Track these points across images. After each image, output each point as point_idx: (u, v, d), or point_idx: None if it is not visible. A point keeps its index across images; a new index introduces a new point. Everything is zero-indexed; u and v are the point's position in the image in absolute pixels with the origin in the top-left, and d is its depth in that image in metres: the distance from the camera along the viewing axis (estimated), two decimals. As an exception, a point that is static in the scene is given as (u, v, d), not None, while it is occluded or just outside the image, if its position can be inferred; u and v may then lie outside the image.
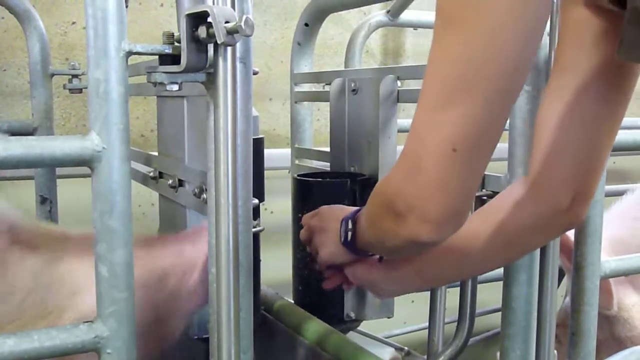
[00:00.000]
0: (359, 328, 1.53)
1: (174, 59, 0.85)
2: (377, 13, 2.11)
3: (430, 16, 2.13)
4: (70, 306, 0.95)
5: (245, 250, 0.91)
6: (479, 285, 1.21)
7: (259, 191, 1.24)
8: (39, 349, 0.76)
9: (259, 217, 1.17)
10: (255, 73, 0.94)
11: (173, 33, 0.86)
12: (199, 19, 0.82)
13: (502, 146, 1.12)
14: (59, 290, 0.92)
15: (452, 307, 1.23)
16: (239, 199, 0.89)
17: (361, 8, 2.37)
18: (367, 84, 1.38)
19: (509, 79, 0.75)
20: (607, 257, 1.20)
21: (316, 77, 1.64)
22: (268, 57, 2.35)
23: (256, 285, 1.15)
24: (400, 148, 1.37)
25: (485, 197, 1.14)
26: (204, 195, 1.01)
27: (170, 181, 1.20)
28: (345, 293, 1.37)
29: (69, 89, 1.84)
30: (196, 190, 1.05)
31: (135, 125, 2.15)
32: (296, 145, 1.69)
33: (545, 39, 1.05)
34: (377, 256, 1.07)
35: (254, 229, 0.96)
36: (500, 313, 1.12)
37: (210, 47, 0.84)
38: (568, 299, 1.54)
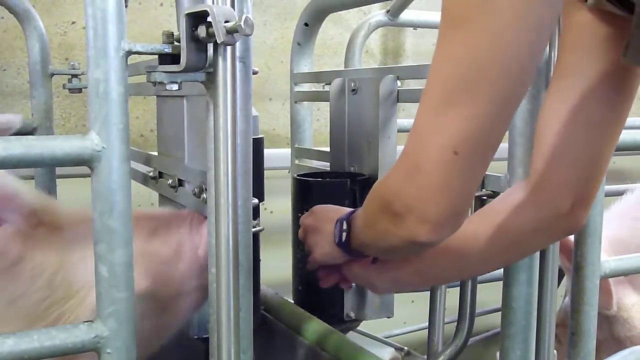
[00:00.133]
0: (358, 328, 1.53)
1: (173, 58, 0.85)
2: (376, 13, 2.11)
3: (429, 16, 2.13)
4: (90, 294, 0.96)
5: (245, 250, 0.91)
6: (478, 285, 1.21)
7: (258, 191, 1.24)
8: (39, 348, 0.76)
9: (259, 217, 1.17)
10: (255, 73, 0.94)
11: (173, 32, 0.86)
12: (198, 18, 0.82)
13: (502, 146, 1.12)
14: (85, 269, 0.94)
15: (452, 307, 1.23)
16: (238, 198, 0.88)
17: (361, 8, 2.37)
18: (367, 84, 1.38)
19: (513, 81, 0.75)
20: (606, 257, 1.20)
21: (316, 77, 1.64)
22: (268, 56, 2.35)
23: (256, 285, 1.15)
24: (400, 148, 1.37)
25: (485, 197, 1.14)
26: (204, 195, 1.01)
27: (170, 181, 1.20)
28: (345, 293, 1.37)
29: (69, 89, 1.84)
30: (196, 190, 1.05)
31: (134, 125, 2.15)
32: (296, 145, 1.69)
33: (545, 38, 1.05)
34: (371, 257, 1.07)
35: (253, 229, 0.96)
36: (500, 313, 1.12)
37: (210, 47, 0.84)
38: (568, 298, 1.54)
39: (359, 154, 1.41)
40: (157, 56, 0.86)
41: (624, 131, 1.19)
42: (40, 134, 1.75)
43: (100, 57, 0.78)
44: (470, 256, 0.97)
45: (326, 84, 1.57)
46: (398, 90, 1.34)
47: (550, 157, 0.90)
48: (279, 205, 1.83)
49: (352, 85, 1.42)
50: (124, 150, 0.79)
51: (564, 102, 0.88)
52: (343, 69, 2.09)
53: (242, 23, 0.79)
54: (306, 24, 1.66)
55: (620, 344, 1.49)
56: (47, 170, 1.76)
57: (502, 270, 1.11)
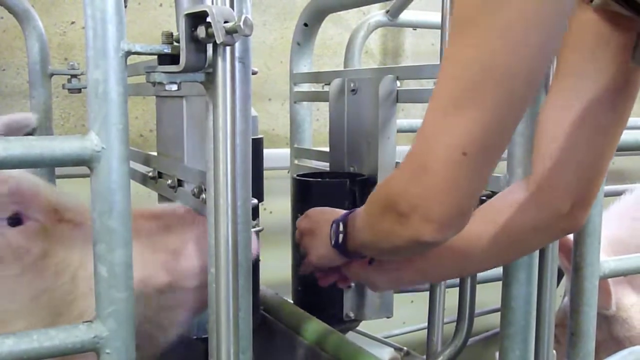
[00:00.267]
0: (358, 328, 1.53)
1: (173, 58, 0.85)
2: (376, 13, 2.11)
3: (429, 16, 2.13)
4: None
5: (244, 251, 0.91)
6: (478, 286, 1.21)
7: (258, 191, 1.24)
8: (38, 349, 0.76)
9: (258, 217, 1.17)
10: (254, 73, 0.94)
11: (172, 33, 0.86)
12: (198, 18, 0.82)
13: (501, 146, 1.13)
14: None
15: (451, 307, 1.23)
16: (238, 199, 0.88)
17: (360, 8, 2.37)
18: (366, 84, 1.38)
19: (521, 83, 0.74)
20: (606, 258, 1.20)
21: (315, 77, 1.64)
22: (267, 57, 2.35)
23: (255, 286, 1.15)
24: (399, 148, 1.38)
25: (484, 197, 1.14)
26: (203, 196, 1.01)
27: (170, 181, 1.19)
28: (345, 293, 1.37)
29: (68, 89, 1.84)
30: (195, 190, 1.05)
31: (134, 125, 2.15)
32: (295, 145, 1.69)
33: (545, 39, 1.05)
34: (368, 258, 1.07)
35: (253, 229, 0.96)
36: (499, 313, 1.12)
37: (210, 47, 0.84)
38: (567, 299, 1.54)
39: (359, 154, 1.41)
40: (156, 56, 0.87)
41: (624, 131, 1.20)
42: (39, 134, 1.74)
43: (99, 58, 0.78)
44: (473, 255, 0.97)
45: (325, 84, 1.57)
46: (397, 91, 1.34)
47: (552, 158, 0.90)
48: (278, 205, 1.83)
49: (352, 85, 1.42)
50: (123, 151, 0.80)
51: (566, 103, 0.88)
52: (342, 69, 2.09)
53: (241, 23, 0.79)
54: (306, 24, 1.66)
55: (619, 344, 1.49)
56: (47, 171, 1.76)
57: (501, 270, 1.11)
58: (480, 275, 1.23)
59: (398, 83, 1.34)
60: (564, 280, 1.58)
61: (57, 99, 2.03)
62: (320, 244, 1.07)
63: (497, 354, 1.13)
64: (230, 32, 0.80)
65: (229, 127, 0.86)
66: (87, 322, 0.81)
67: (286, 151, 1.75)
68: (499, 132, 0.76)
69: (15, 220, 0.97)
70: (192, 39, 0.82)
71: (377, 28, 2.13)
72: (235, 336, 0.88)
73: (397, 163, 1.36)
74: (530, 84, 0.76)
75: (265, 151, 1.34)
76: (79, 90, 1.84)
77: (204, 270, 1.00)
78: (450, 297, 1.23)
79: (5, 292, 0.94)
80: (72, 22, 2.08)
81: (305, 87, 1.68)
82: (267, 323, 1.42)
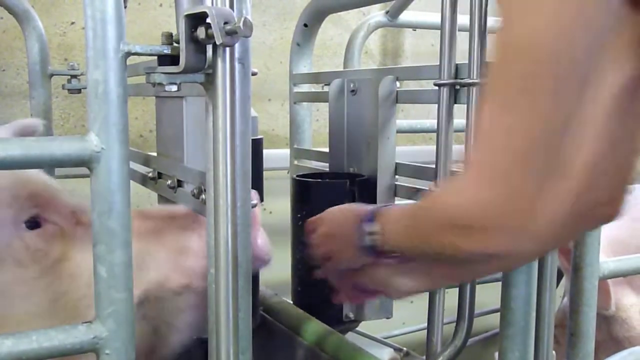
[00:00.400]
0: (357, 329, 1.53)
1: (172, 59, 0.85)
2: (376, 14, 2.11)
3: (429, 17, 2.14)
4: (137, 281, 0.99)
5: (244, 251, 0.91)
6: (477, 286, 1.21)
7: (258, 192, 1.24)
8: (37, 349, 0.76)
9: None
10: (254, 74, 0.94)
11: (172, 33, 0.86)
12: (197, 19, 0.82)
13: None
14: None
15: (450, 307, 1.23)
16: (237, 199, 0.89)
17: (360, 9, 2.37)
18: (366, 85, 1.39)
19: (578, 67, 0.71)
20: (605, 258, 1.20)
21: (315, 78, 1.64)
22: (267, 57, 2.35)
23: (255, 286, 1.15)
24: (399, 149, 1.38)
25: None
26: (203, 196, 1.01)
27: (169, 182, 1.19)
28: (344, 293, 1.37)
29: (68, 89, 1.84)
30: (195, 191, 1.05)
31: (134, 125, 2.15)
32: (295, 146, 1.69)
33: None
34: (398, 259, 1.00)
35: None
36: (499, 314, 1.12)
37: (209, 48, 0.84)
38: (566, 299, 1.54)
39: (358, 155, 1.41)
40: (156, 57, 0.87)
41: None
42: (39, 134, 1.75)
43: (99, 58, 0.78)
44: None
45: (325, 85, 1.57)
46: (397, 91, 1.34)
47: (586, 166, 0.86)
48: (278, 205, 1.83)
49: (352, 86, 1.42)
50: (123, 151, 0.80)
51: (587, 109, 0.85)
52: (342, 69, 2.09)
53: (241, 24, 0.79)
54: (305, 25, 1.66)
55: (618, 345, 1.50)
56: (46, 171, 1.76)
57: (500, 270, 1.11)
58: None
59: (398, 84, 1.34)
60: (563, 280, 1.59)
61: (57, 99, 2.03)
62: (346, 246, 1.01)
63: (496, 355, 1.13)
64: (230, 33, 0.80)
65: (229, 128, 0.86)
66: (86, 322, 0.81)
67: (286, 152, 1.75)
68: (565, 123, 0.73)
69: (34, 223, 0.98)
70: (192, 39, 0.82)
71: (377, 29, 2.13)
72: (234, 337, 0.88)
73: (396, 164, 1.36)
74: (588, 67, 0.72)
75: (265, 152, 1.34)
76: (79, 91, 1.84)
77: None
78: (450, 298, 1.23)
79: (24, 295, 0.95)
80: (72, 23, 2.09)
81: (305, 88, 1.68)
82: (266, 323, 1.42)
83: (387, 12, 2.08)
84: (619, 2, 0.75)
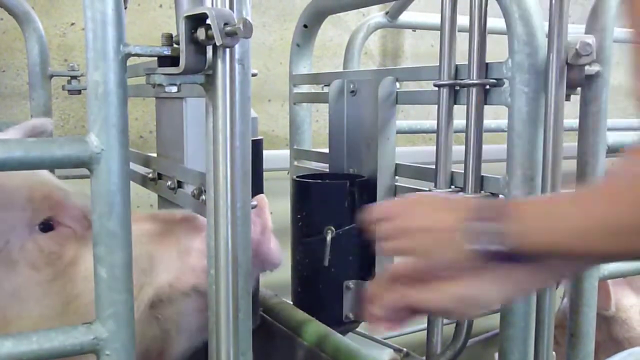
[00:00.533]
0: (357, 329, 1.53)
1: (172, 60, 0.85)
2: (376, 14, 2.11)
3: (428, 17, 2.13)
4: (148, 282, 1.01)
5: (244, 252, 0.91)
6: (477, 287, 1.21)
7: (257, 192, 1.24)
8: (37, 350, 0.76)
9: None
10: (254, 75, 0.94)
11: (172, 35, 0.86)
12: (197, 20, 0.82)
13: (500, 147, 1.13)
14: (136, 268, 0.96)
15: (450, 308, 1.23)
16: (237, 200, 0.89)
17: (360, 9, 2.37)
18: (365, 86, 1.39)
19: None
20: (605, 259, 1.20)
21: (315, 79, 1.64)
22: (267, 58, 2.35)
23: (255, 287, 1.15)
24: (399, 149, 1.38)
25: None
26: (203, 197, 1.01)
27: (169, 182, 1.20)
28: (345, 294, 1.37)
29: (68, 90, 1.84)
30: (195, 191, 1.05)
31: (134, 126, 2.15)
32: (295, 147, 1.69)
33: (543, 39, 1.05)
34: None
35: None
36: (499, 314, 1.12)
37: (209, 49, 0.84)
38: (566, 300, 1.54)
39: (358, 156, 1.41)
40: (156, 58, 0.87)
41: (622, 133, 1.20)
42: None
43: (99, 59, 0.78)
44: None
45: (325, 86, 1.57)
46: (397, 92, 1.34)
47: None
48: (278, 206, 1.83)
49: (351, 86, 1.42)
50: (123, 152, 0.80)
51: None
52: (342, 70, 2.09)
53: (241, 25, 0.79)
54: (305, 26, 1.66)
55: (618, 345, 1.50)
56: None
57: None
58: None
59: (397, 84, 1.34)
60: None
61: (57, 100, 2.03)
62: (440, 246, 0.83)
63: (496, 355, 1.13)
64: (229, 34, 0.80)
65: (229, 129, 0.86)
66: (86, 323, 0.81)
67: (286, 152, 1.75)
68: None
69: (47, 226, 0.99)
70: (192, 40, 0.82)
71: (376, 29, 2.13)
72: (234, 337, 0.88)
73: (396, 164, 1.36)
74: None
75: (265, 152, 1.34)
76: (79, 92, 1.84)
77: None
78: (450, 299, 1.23)
79: (38, 297, 0.96)
80: (72, 24, 2.08)
81: (305, 89, 1.68)
82: (266, 324, 1.42)
83: (386, 13, 2.08)
84: None
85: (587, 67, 1.09)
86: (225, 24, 0.80)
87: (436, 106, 1.19)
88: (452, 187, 1.20)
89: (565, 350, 1.21)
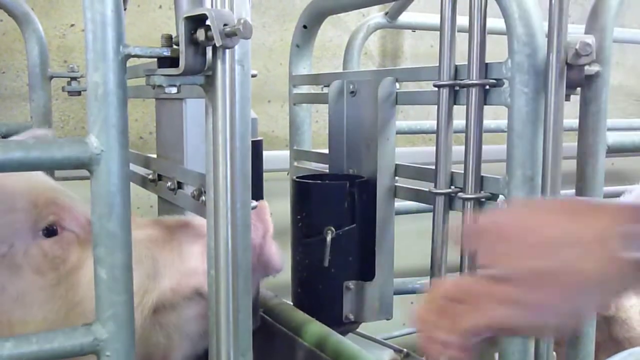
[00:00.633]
0: (358, 330, 1.53)
1: (172, 61, 0.85)
2: (375, 15, 2.11)
3: (428, 18, 2.13)
4: (152, 288, 1.02)
5: (243, 253, 0.91)
6: (477, 287, 1.21)
7: (257, 193, 1.24)
8: (37, 352, 0.76)
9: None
10: (253, 76, 0.94)
11: (171, 36, 0.86)
12: (197, 21, 0.82)
13: (500, 148, 1.13)
14: (141, 273, 0.99)
15: (450, 308, 1.23)
16: (237, 201, 0.89)
17: (360, 10, 2.37)
18: (365, 86, 1.39)
19: None
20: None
21: (315, 79, 1.64)
22: (267, 59, 2.35)
23: (255, 288, 1.15)
24: (399, 150, 1.38)
25: (483, 200, 1.14)
26: (203, 198, 1.01)
27: (169, 183, 1.20)
28: (345, 295, 1.37)
29: (68, 92, 1.84)
30: (195, 192, 1.05)
31: (134, 127, 2.15)
32: (295, 147, 1.69)
33: (543, 39, 1.05)
34: None
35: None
36: (498, 315, 1.12)
37: (209, 50, 0.84)
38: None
39: (358, 156, 1.41)
40: (156, 59, 0.87)
41: (622, 133, 1.20)
42: (39, 136, 1.75)
43: (99, 60, 0.78)
44: None
45: (325, 86, 1.57)
46: (397, 93, 1.34)
47: None
48: (278, 207, 1.83)
49: (351, 87, 1.42)
50: (123, 153, 0.80)
51: None
52: (342, 71, 2.09)
53: (240, 26, 0.79)
54: (305, 26, 1.66)
55: (618, 345, 1.50)
56: (47, 174, 1.76)
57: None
58: (480, 276, 1.23)
59: (397, 85, 1.34)
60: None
61: (57, 101, 2.03)
62: (596, 258, 0.67)
63: (497, 356, 1.13)
64: (229, 35, 0.80)
65: (229, 130, 0.86)
66: (86, 324, 0.81)
67: (285, 153, 1.75)
68: None
69: (51, 231, 1.00)
70: (192, 41, 0.82)
71: (376, 30, 2.13)
72: (234, 338, 0.88)
73: (396, 165, 1.36)
74: None
75: (265, 153, 1.34)
76: (79, 93, 1.84)
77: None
78: (450, 299, 1.23)
79: (42, 302, 0.96)
80: (72, 25, 2.09)
81: (305, 89, 1.68)
82: (266, 325, 1.42)
83: (386, 14, 2.08)
84: None
85: (586, 67, 1.09)
86: (225, 24, 0.80)
87: (436, 106, 1.19)
88: (452, 187, 1.20)
89: (566, 350, 1.21)
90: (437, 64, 1.18)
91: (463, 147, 1.15)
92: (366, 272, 1.38)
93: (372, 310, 1.40)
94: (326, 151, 1.53)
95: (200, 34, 0.82)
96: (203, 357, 1.10)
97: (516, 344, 1.09)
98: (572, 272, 0.69)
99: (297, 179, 1.43)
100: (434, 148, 1.21)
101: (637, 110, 3.11)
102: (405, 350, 1.67)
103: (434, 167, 1.21)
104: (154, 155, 1.40)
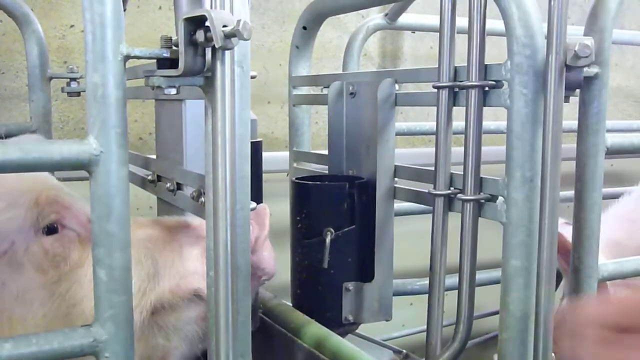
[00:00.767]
0: (357, 331, 1.53)
1: (171, 62, 0.85)
2: (375, 16, 2.11)
3: (428, 19, 2.14)
4: (151, 288, 1.02)
5: (243, 254, 0.91)
6: (476, 288, 1.21)
7: (257, 194, 1.24)
8: (37, 353, 0.76)
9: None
10: (253, 77, 0.95)
11: (171, 37, 0.86)
12: (197, 22, 0.82)
13: (499, 149, 1.13)
14: (141, 273, 0.99)
15: (450, 310, 1.23)
16: (236, 202, 0.89)
17: (359, 11, 2.37)
18: (365, 87, 1.39)
19: None
20: (604, 260, 1.20)
21: (314, 80, 1.64)
22: (266, 60, 2.35)
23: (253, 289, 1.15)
24: (398, 151, 1.38)
25: (482, 201, 1.14)
26: (202, 199, 1.01)
27: (169, 184, 1.20)
28: (344, 296, 1.37)
29: (67, 92, 1.84)
30: (194, 193, 1.05)
31: (133, 128, 2.15)
32: (294, 149, 1.69)
33: (543, 41, 1.05)
34: None
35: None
36: (498, 316, 1.12)
37: (208, 51, 0.85)
38: (565, 301, 1.54)
39: (357, 158, 1.41)
40: (155, 60, 0.87)
41: (621, 134, 1.20)
42: (38, 137, 1.75)
43: (98, 61, 0.78)
44: None
45: (324, 87, 1.57)
46: (396, 94, 1.34)
47: None
48: (277, 208, 1.83)
49: (351, 88, 1.42)
50: (122, 154, 0.80)
51: None
52: (341, 72, 2.09)
53: (240, 27, 0.79)
54: (304, 27, 1.66)
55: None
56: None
57: (499, 273, 1.11)
58: (479, 278, 1.23)
59: (397, 86, 1.34)
60: (562, 282, 1.58)
61: (56, 102, 2.03)
62: None
63: (495, 357, 1.13)
64: (229, 36, 0.80)
65: (228, 131, 0.86)
66: (85, 325, 0.81)
67: (285, 154, 1.75)
68: None
69: (52, 229, 1.00)
70: (191, 42, 0.83)
71: (376, 31, 2.13)
72: (234, 339, 0.88)
73: (395, 166, 1.36)
74: None
75: (264, 154, 1.34)
76: (78, 94, 1.84)
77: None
78: (449, 300, 1.23)
79: (42, 300, 0.97)
80: (72, 26, 2.08)
81: (304, 90, 1.68)
82: (265, 326, 1.42)
83: (386, 15, 2.08)
84: None
85: (586, 69, 1.09)
86: (224, 26, 0.80)
87: (435, 108, 1.19)
88: (452, 188, 1.20)
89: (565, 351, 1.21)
90: (437, 66, 1.18)
91: (462, 149, 1.15)
92: (365, 273, 1.38)
93: (372, 312, 1.40)
94: (326, 152, 1.53)
95: (200, 35, 0.82)
96: (202, 359, 1.10)
97: (515, 346, 1.09)
98: None
99: (297, 180, 1.43)
100: (434, 149, 1.21)
101: (636, 112, 3.11)
102: (404, 351, 1.67)
103: (433, 168, 1.21)
104: (154, 156, 1.40)
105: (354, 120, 1.42)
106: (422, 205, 1.36)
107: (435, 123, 1.21)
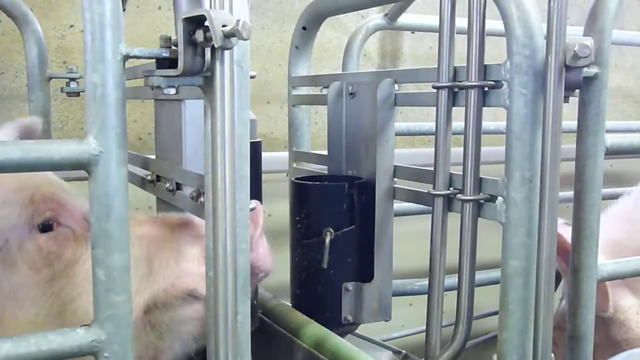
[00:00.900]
0: (356, 331, 1.53)
1: (171, 62, 0.85)
2: (374, 16, 2.12)
3: (427, 19, 2.14)
4: (144, 287, 1.02)
5: (242, 254, 0.91)
6: (476, 289, 1.21)
7: (256, 194, 1.24)
8: (36, 353, 0.76)
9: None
10: (252, 77, 0.95)
11: (170, 37, 0.86)
12: (196, 22, 0.82)
13: (499, 149, 1.13)
14: (135, 272, 0.97)
15: (449, 310, 1.23)
16: (236, 202, 0.89)
17: (359, 11, 2.37)
18: (364, 88, 1.39)
19: None
20: (602, 259, 1.20)
21: (314, 81, 1.64)
22: (266, 60, 2.35)
23: (253, 289, 1.15)
24: (398, 152, 1.38)
25: (482, 201, 1.14)
26: (202, 199, 1.01)
27: (168, 184, 1.20)
28: (343, 296, 1.37)
29: (67, 92, 1.84)
30: (194, 193, 1.05)
31: (132, 128, 2.15)
32: (294, 149, 1.69)
33: (542, 41, 1.05)
34: None
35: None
36: (497, 316, 1.12)
37: (208, 51, 0.84)
38: (564, 302, 1.54)
39: (357, 158, 1.41)
40: (154, 60, 0.87)
41: (621, 135, 1.20)
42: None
43: (97, 61, 0.78)
44: None
45: (324, 88, 1.57)
46: (396, 94, 1.34)
47: None
48: (277, 208, 1.83)
49: (350, 88, 1.42)
50: (121, 154, 0.80)
51: None
52: (341, 72, 2.09)
53: (239, 27, 0.79)
54: (304, 28, 1.66)
55: (616, 347, 1.49)
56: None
57: (499, 273, 1.11)
58: (478, 278, 1.23)
59: (396, 86, 1.34)
60: (562, 283, 1.58)
61: (56, 102, 2.03)
62: None
63: (495, 357, 1.13)
64: (228, 36, 0.80)
65: (227, 131, 0.86)
66: (85, 325, 0.81)
67: (285, 154, 1.75)
68: None
69: (47, 226, 1.00)
70: (190, 42, 0.83)
71: (375, 31, 2.13)
72: (233, 339, 0.88)
73: (395, 166, 1.36)
74: None
75: (264, 154, 1.34)
76: (78, 94, 1.84)
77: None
78: (449, 300, 1.23)
79: (36, 298, 0.96)
80: (71, 26, 2.08)
81: (304, 91, 1.68)
82: (265, 326, 1.42)
83: (385, 15, 2.08)
84: None
85: (585, 69, 1.09)
86: (224, 26, 0.80)
87: (435, 108, 1.19)
88: (451, 188, 1.20)
89: (564, 352, 1.21)
90: (436, 66, 1.18)
91: (462, 149, 1.15)
92: (365, 273, 1.38)
93: (371, 312, 1.40)
94: (325, 152, 1.53)
95: (199, 35, 0.82)
96: (194, 358, 1.10)
97: (515, 346, 1.09)
98: None
99: (296, 181, 1.43)
100: (433, 149, 1.21)
101: (636, 112, 3.11)
102: (403, 351, 1.67)
103: (432, 168, 1.21)
104: (153, 156, 1.40)
105: (354, 120, 1.42)
106: (421, 206, 1.37)
107: (434, 123, 1.21)
